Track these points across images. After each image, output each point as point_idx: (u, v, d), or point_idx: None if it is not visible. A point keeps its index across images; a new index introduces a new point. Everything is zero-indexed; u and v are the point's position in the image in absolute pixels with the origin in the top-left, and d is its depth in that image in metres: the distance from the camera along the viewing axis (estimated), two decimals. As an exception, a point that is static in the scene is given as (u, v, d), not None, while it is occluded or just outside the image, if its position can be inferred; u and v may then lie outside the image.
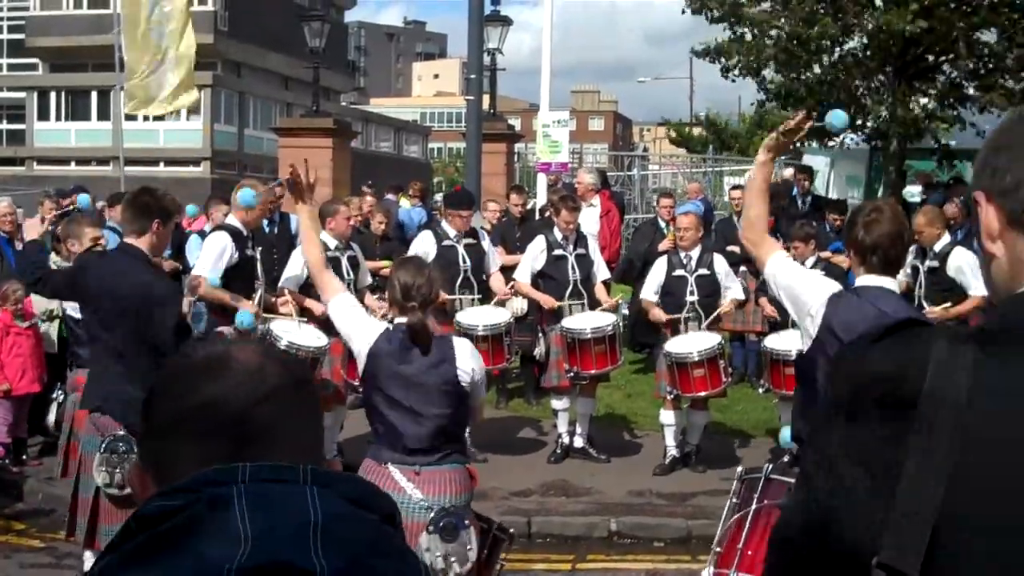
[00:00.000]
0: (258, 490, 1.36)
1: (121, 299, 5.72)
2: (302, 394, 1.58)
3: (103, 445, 5.57)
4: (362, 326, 5.15)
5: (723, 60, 14.51)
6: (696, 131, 51.17)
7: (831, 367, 1.51)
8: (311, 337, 8.37)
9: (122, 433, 5.56)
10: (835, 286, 4.79)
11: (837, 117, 5.24)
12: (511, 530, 5.51)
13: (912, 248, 9.65)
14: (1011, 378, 1.33)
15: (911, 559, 1.27)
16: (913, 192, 15.83)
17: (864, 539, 1.31)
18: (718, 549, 5.25)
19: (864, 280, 4.66)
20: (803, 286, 4.72)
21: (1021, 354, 1.35)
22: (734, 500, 5.33)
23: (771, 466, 5.32)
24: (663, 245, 11.90)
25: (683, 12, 14.23)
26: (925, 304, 9.05)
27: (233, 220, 8.21)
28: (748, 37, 13.37)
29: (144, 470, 1.53)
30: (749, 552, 5.05)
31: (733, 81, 15.11)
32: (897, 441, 1.32)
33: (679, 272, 9.46)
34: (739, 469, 5.56)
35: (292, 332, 8.36)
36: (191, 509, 1.33)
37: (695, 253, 9.53)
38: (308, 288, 8.95)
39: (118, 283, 5.78)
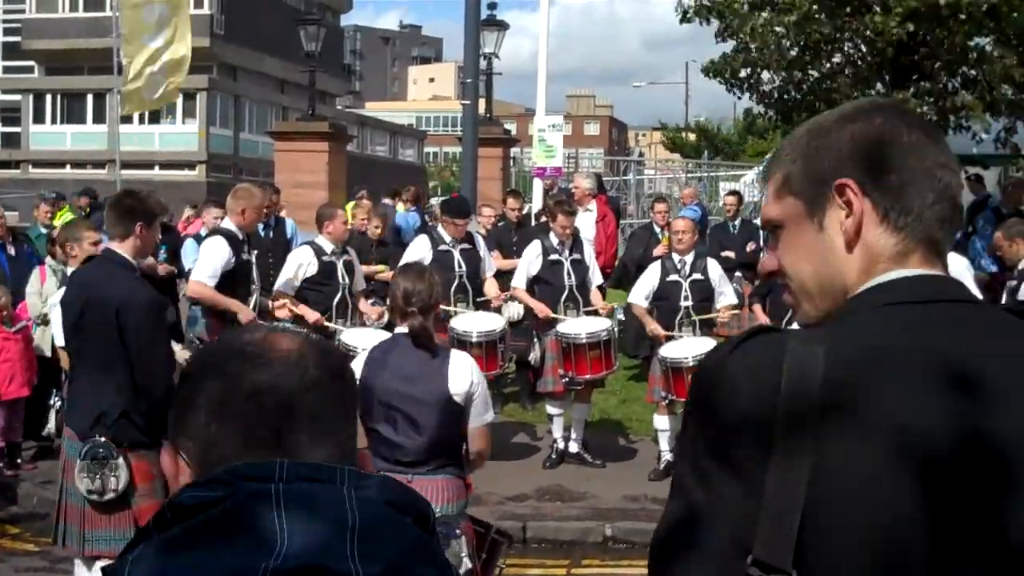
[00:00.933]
0: (297, 490, 1.35)
1: (101, 307, 5.60)
2: (342, 385, 1.58)
3: (83, 451, 5.52)
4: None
5: (728, 75, 14.52)
6: (691, 137, 51.29)
7: (693, 378, 1.55)
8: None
9: (102, 439, 5.51)
10: None
11: None
12: (510, 533, 5.52)
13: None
14: (851, 375, 1.36)
15: (782, 554, 1.31)
16: None
17: (739, 540, 1.34)
18: None
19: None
20: None
21: (866, 353, 1.38)
22: None
23: None
24: (658, 251, 11.92)
25: (681, 23, 14.23)
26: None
27: (229, 224, 8.21)
28: (753, 52, 13.38)
29: (177, 451, 1.52)
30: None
31: (739, 97, 15.13)
32: (760, 444, 1.35)
33: (673, 277, 9.48)
34: None
35: None
36: (228, 503, 1.32)
37: (689, 258, 9.55)
38: (302, 293, 8.99)
39: (98, 291, 5.71)
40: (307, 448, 1.46)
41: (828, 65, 13.95)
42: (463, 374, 4.98)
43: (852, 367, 1.37)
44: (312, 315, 8.78)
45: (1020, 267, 9.06)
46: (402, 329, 5.05)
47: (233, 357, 1.51)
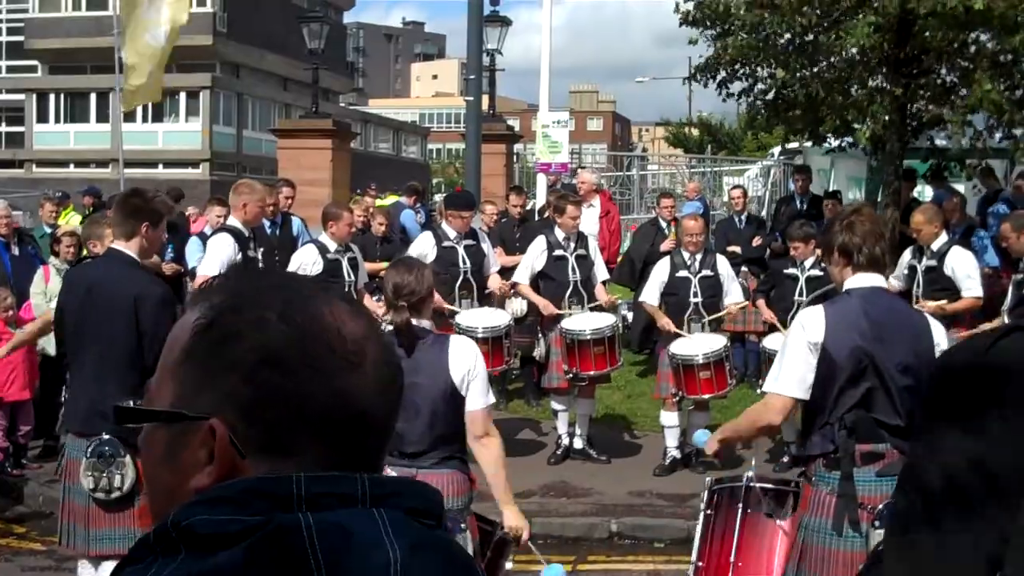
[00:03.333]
0: (329, 521, 1.17)
1: (111, 302, 5.59)
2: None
3: (89, 449, 5.51)
4: None
5: (720, 74, 14.47)
6: (694, 132, 51.27)
7: (939, 372, 1.42)
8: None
9: (107, 437, 5.50)
10: (811, 312, 4.77)
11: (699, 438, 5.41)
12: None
13: (909, 248, 9.67)
14: None
15: None
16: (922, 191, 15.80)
17: (985, 553, 1.25)
18: (699, 564, 5.18)
19: (853, 281, 4.66)
20: (798, 351, 4.62)
21: None
22: (708, 512, 5.23)
23: (750, 473, 5.21)
24: (665, 245, 11.94)
25: (680, 25, 14.16)
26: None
27: (234, 221, 8.22)
28: (738, 42, 13.33)
29: (214, 435, 1.24)
30: (740, 564, 5.00)
31: (733, 97, 15.03)
32: (1019, 451, 1.25)
33: (682, 273, 9.47)
34: (707, 480, 5.45)
35: None
36: (251, 540, 1.13)
37: (698, 254, 9.55)
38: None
39: (111, 287, 5.71)
40: (374, 459, 1.33)
41: (823, 62, 13.89)
42: (464, 358, 4.98)
43: None
44: None
45: None
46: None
47: (325, 353, 1.26)
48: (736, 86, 14.58)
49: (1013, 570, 1.22)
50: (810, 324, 4.57)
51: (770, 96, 14.72)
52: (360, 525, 1.19)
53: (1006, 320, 8.50)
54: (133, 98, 16.29)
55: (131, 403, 1.51)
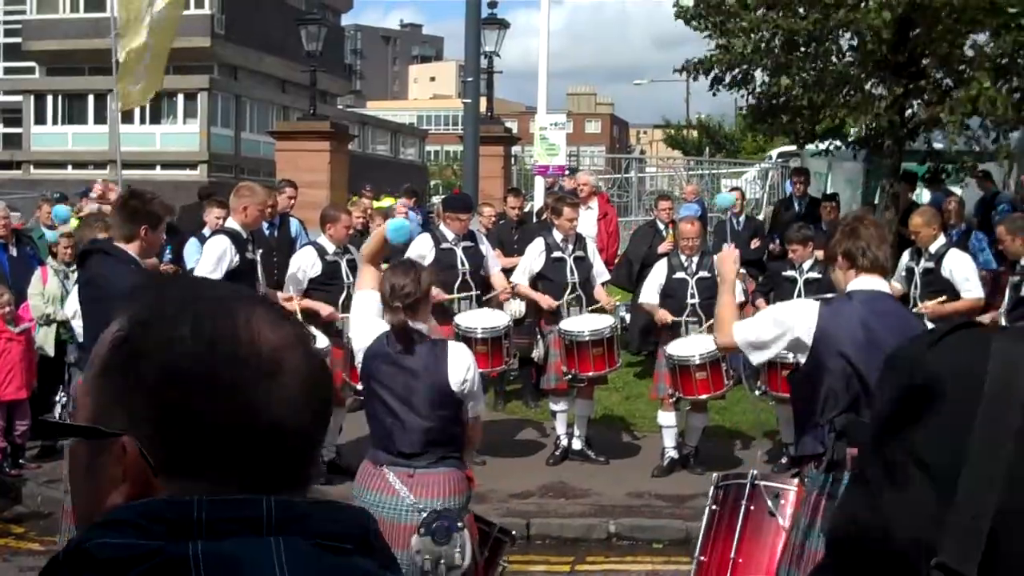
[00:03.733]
0: (221, 553, 1.13)
1: (107, 303, 5.62)
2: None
3: None
4: (368, 326, 5.18)
5: (713, 72, 14.49)
6: (693, 134, 51.33)
7: (885, 371, 1.45)
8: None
9: None
10: (807, 302, 4.82)
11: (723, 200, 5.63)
12: (513, 532, 5.53)
13: (907, 250, 9.68)
14: None
15: (970, 560, 1.26)
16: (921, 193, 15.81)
17: (921, 540, 1.29)
18: (702, 558, 5.22)
19: (856, 284, 4.69)
20: (772, 322, 4.77)
21: None
22: (713, 507, 5.29)
23: (755, 472, 5.26)
24: (663, 247, 11.95)
25: (676, 18, 14.18)
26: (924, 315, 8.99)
27: (233, 223, 8.23)
28: (738, 48, 13.33)
29: (128, 450, 1.21)
30: (740, 560, 5.03)
31: (725, 90, 15.04)
32: (956, 445, 1.30)
33: (680, 275, 9.50)
34: (715, 475, 5.52)
35: None
36: (138, 572, 1.09)
37: (696, 256, 9.58)
38: (308, 293, 9.01)
39: (104, 286, 5.71)
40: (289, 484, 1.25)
41: (817, 64, 13.90)
42: (461, 364, 5.02)
43: None
44: (326, 309, 8.83)
45: (1023, 263, 9.06)
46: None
47: (233, 367, 1.22)
48: (729, 83, 14.60)
49: (948, 555, 1.26)
50: (801, 321, 4.60)
51: (758, 99, 14.77)
52: (253, 556, 1.14)
53: (1003, 322, 8.51)
54: (128, 97, 16.27)
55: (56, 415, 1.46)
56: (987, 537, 1.26)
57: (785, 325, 4.65)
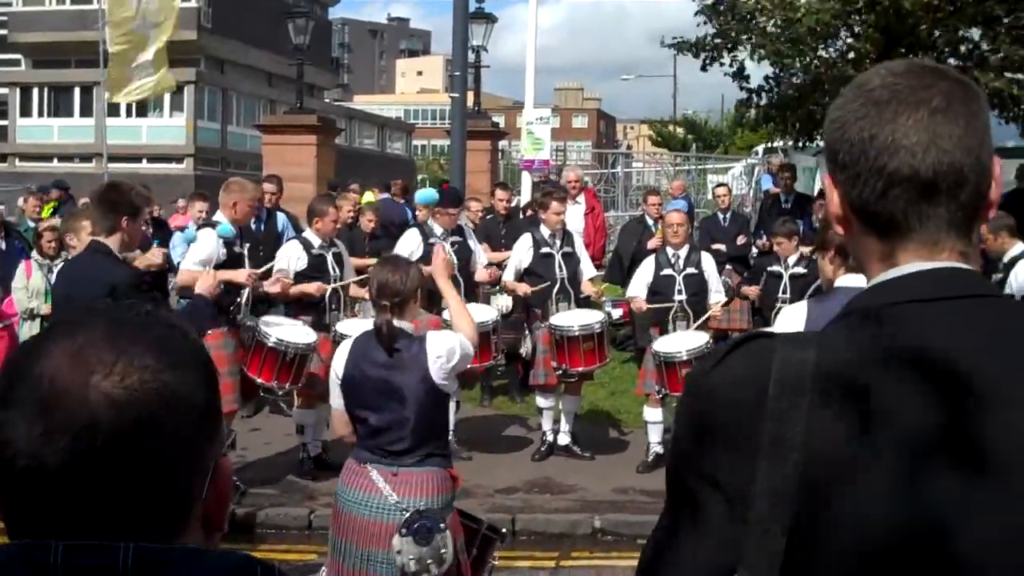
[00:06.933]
0: None
1: (84, 295, 5.51)
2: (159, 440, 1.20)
3: None
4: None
5: (704, 53, 14.51)
6: (679, 131, 51.37)
7: (683, 395, 1.47)
8: (300, 334, 8.42)
9: None
10: (797, 305, 4.83)
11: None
12: (503, 529, 5.51)
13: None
14: (842, 377, 1.31)
15: (767, 572, 1.27)
16: None
17: (725, 559, 1.30)
18: None
19: (844, 280, 4.70)
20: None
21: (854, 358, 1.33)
22: None
23: None
24: (652, 243, 11.95)
25: (698, 25, 14.21)
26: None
27: (220, 217, 8.22)
28: (733, 33, 13.37)
29: None
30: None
31: (714, 68, 15.07)
32: (745, 456, 1.30)
33: (667, 271, 9.49)
34: None
35: (281, 328, 8.40)
36: None
37: (683, 252, 9.56)
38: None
39: (86, 282, 5.68)
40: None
41: (819, 56, 13.94)
42: (440, 349, 4.95)
43: (843, 368, 1.32)
44: (312, 286, 8.80)
45: (1005, 260, 9.09)
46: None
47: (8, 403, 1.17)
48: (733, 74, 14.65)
49: (747, 571, 1.28)
50: (789, 324, 4.62)
51: (758, 95, 14.80)
52: None
53: None
54: (125, 88, 16.23)
55: None
56: (784, 548, 1.26)
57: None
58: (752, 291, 10.07)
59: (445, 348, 4.97)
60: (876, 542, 1.25)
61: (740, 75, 14.84)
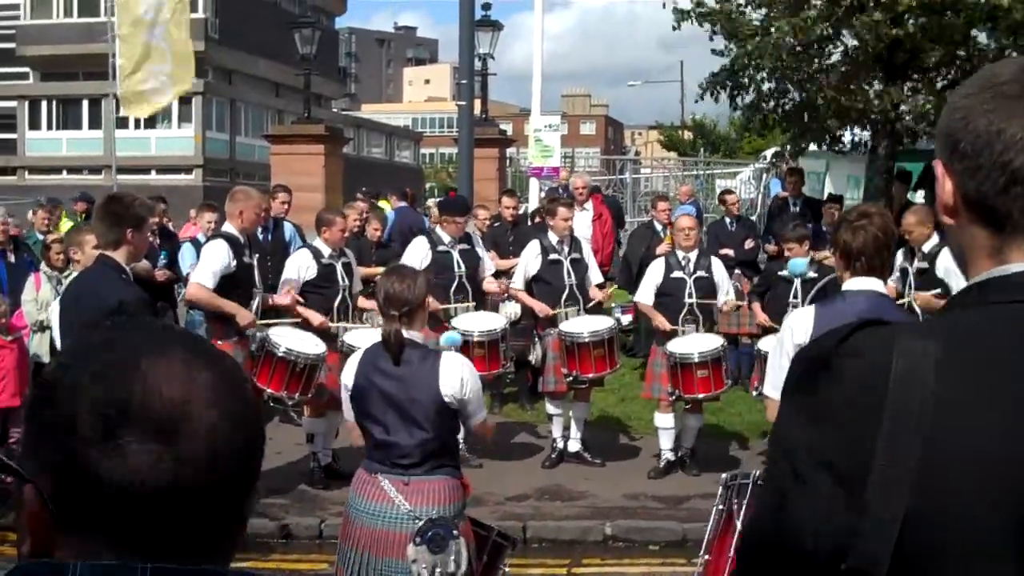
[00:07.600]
0: None
1: (94, 311, 5.47)
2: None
3: None
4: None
5: (728, 88, 14.48)
6: (687, 135, 51.34)
7: (793, 364, 1.45)
8: (309, 344, 8.42)
9: None
10: (805, 310, 4.83)
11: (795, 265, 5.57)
12: (513, 536, 5.50)
13: (901, 250, 9.66)
14: (972, 376, 1.30)
15: (879, 564, 1.25)
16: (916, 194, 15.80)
17: (830, 544, 1.28)
18: (707, 557, 5.21)
19: (851, 284, 4.69)
20: (782, 353, 4.77)
21: (980, 351, 1.32)
22: (720, 507, 5.27)
23: (758, 472, 5.24)
24: (661, 248, 11.94)
25: (673, 29, 14.14)
26: (916, 306, 8.99)
27: (229, 228, 8.23)
28: (748, 48, 13.34)
29: (26, 497, 1.18)
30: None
31: (741, 108, 15.08)
32: (862, 444, 1.28)
33: (677, 274, 9.47)
34: (724, 476, 5.50)
35: (290, 339, 8.40)
36: None
37: (693, 255, 9.55)
38: (304, 296, 9.00)
39: (92, 297, 5.68)
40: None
41: (818, 63, 13.92)
42: (453, 376, 4.94)
43: (968, 364, 1.30)
44: (317, 318, 8.81)
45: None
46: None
47: (126, 423, 1.16)
48: (746, 99, 14.64)
49: (858, 558, 1.26)
50: (798, 326, 4.62)
51: (771, 104, 14.77)
52: None
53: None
54: (142, 104, 16.27)
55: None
56: (897, 541, 1.25)
57: (794, 346, 4.63)
58: (762, 318, 9.98)
59: (462, 377, 4.97)
60: (999, 519, 1.23)
61: (754, 108, 14.83)
